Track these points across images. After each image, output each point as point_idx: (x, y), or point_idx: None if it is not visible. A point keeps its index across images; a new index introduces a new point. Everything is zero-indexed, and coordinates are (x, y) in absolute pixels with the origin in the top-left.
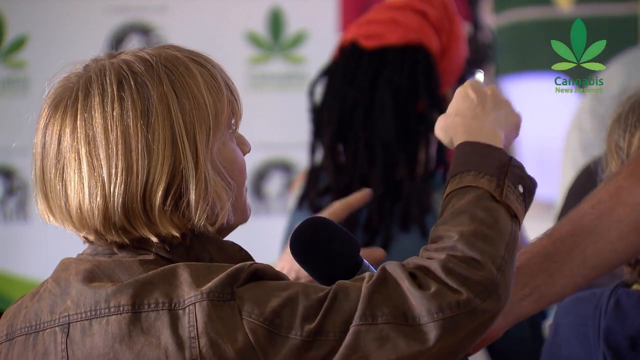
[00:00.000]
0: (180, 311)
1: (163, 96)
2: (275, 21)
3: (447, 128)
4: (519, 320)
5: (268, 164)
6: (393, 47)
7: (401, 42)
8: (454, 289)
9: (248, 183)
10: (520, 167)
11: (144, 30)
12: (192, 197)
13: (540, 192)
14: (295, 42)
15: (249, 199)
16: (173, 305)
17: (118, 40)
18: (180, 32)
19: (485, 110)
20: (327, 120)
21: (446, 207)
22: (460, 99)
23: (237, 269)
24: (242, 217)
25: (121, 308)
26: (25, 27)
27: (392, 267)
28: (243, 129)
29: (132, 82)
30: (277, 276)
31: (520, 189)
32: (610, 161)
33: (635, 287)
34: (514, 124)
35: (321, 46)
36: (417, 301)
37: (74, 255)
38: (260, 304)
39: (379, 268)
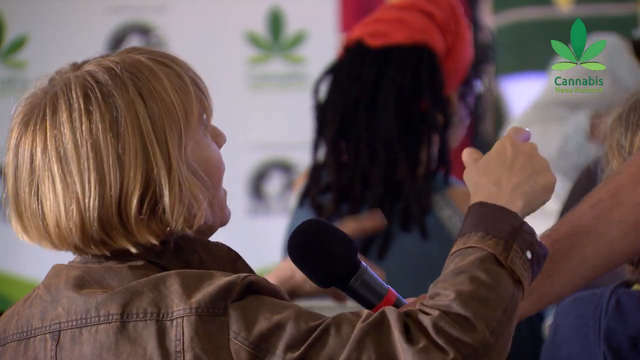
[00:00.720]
0: (168, 322)
1: (130, 104)
2: (275, 21)
3: (471, 180)
4: (518, 321)
5: (268, 164)
6: (398, 46)
7: (407, 41)
8: (442, 348)
9: (248, 183)
10: (531, 233)
11: (144, 30)
12: (167, 201)
13: None
14: (295, 42)
15: (248, 199)
16: (161, 315)
17: (118, 40)
18: (180, 32)
19: (513, 171)
20: (330, 117)
21: (448, 266)
22: (496, 151)
23: (229, 283)
24: (221, 216)
25: (110, 317)
26: (25, 27)
27: (391, 312)
28: (243, 129)
29: (98, 94)
30: (272, 291)
31: (529, 254)
32: (611, 160)
33: (635, 287)
34: (544, 188)
35: (321, 46)
36: (404, 354)
37: (72, 257)
38: (248, 325)
39: (379, 311)
